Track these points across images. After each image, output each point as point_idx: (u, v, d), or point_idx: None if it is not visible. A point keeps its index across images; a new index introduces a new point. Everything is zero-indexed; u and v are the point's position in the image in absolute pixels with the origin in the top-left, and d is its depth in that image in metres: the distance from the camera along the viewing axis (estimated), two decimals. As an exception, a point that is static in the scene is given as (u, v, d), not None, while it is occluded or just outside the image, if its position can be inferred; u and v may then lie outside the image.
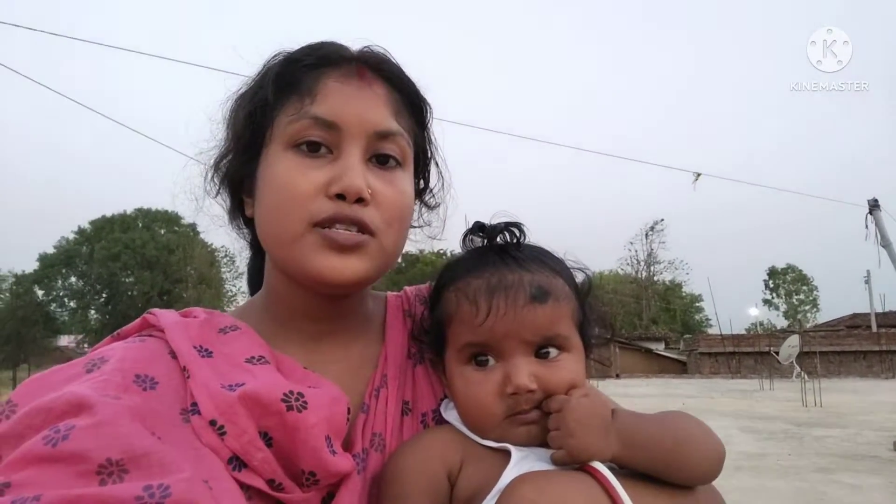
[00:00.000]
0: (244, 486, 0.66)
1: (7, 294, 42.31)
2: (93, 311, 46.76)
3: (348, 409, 0.75)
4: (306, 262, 0.76)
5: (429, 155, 0.92)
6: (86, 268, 44.35)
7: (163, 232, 45.95)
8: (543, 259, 0.84)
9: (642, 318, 54.41)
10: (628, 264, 59.95)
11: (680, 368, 36.58)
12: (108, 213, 46.40)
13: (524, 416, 0.76)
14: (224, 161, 0.86)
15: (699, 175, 15.89)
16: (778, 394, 20.65)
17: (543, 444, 0.75)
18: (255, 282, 0.94)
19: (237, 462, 0.66)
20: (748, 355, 33.60)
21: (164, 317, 0.78)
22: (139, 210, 46.90)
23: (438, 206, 0.96)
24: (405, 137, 0.82)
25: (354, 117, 0.77)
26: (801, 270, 65.39)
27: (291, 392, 0.70)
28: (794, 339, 24.11)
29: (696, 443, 0.74)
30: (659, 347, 40.02)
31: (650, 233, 58.51)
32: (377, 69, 0.82)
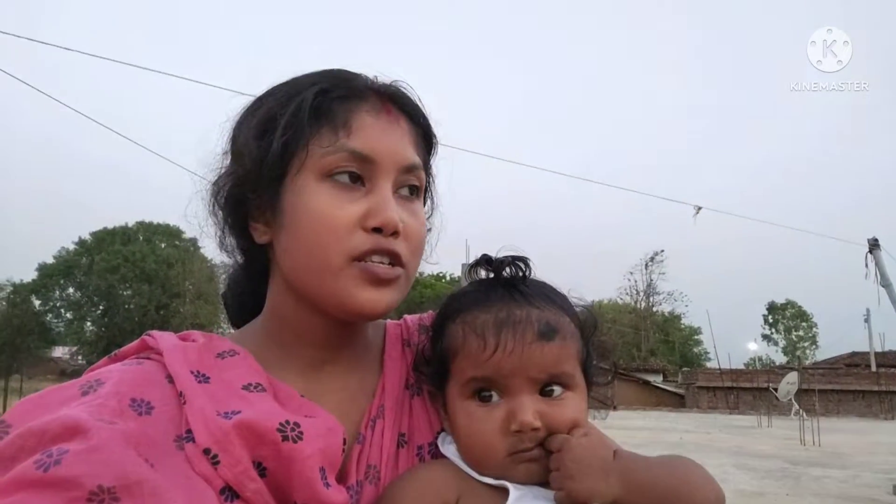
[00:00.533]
0: None
1: (3, 303, 42.16)
2: (89, 323, 46.60)
3: (344, 440, 0.74)
4: (346, 295, 0.76)
5: (428, 184, 0.93)
6: (84, 279, 44.34)
7: (163, 246, 46.06)
8: (550, 296, 0.83)
9: (641, 349, 54.15)
10: (627, 294, 59.97)
11: (677, 401, 36.30)
12: (110, 226, 46.56)
13: (527, 454, 0.75)
14: (229, 184, 0.84)
15: (700, 208, 15.95)
16: (776, 431, 20.46)
17: (543, 482, 0.74)
18: (249, 307, 0.92)
19: (229, 492, 0.65)
20: (746, 391, 33.38)
21: (163, 340, 0.77)
22: (140, 223, 47.10)
23: (430, 230, 0.96)
24: (422, 169, 0.85)
25: (387, 152, 0.79)
26: (800, 306, 65.37)
27: (287, 422, 0.69)
28: (792, 376, 23.94)
29: (696, 487, 0.74)
30: (657, 379, 39.80)
31: (650, 263, 58.65)
32: (400, 104, 0.84)
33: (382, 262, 0.77)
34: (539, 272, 0.87)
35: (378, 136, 0.80)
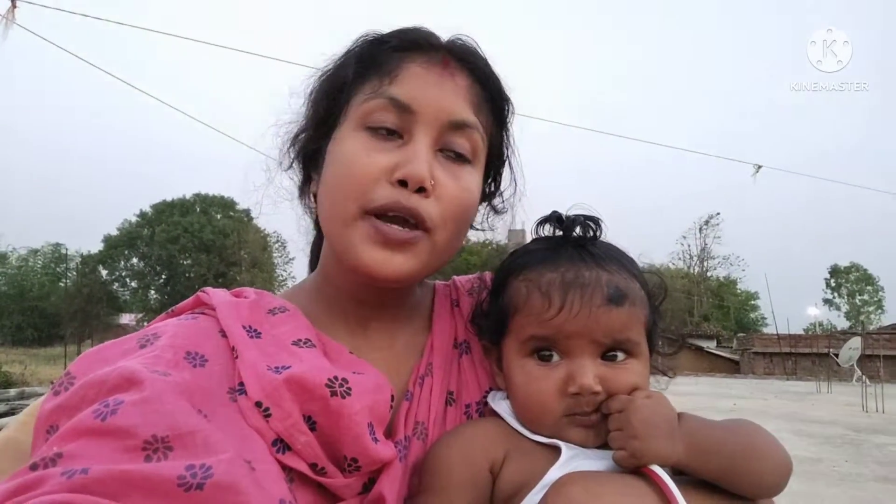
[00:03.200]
0: (287, 469, 0.66)
1: (74, 273, 44.53)
2: (152, 291, 48.70)
3: (392, 396, 0.75)
4: (354, 251, 0.75)
5: (504, 157, 0.89)
6: (147, 249, 46.19)
7: (219, 217, 47.36)
8: (620, 259, 0.80)
9: (693, 315, 52.98)
10: (680, 259, 58.44)
11: (732, 368, 35.49)
12: (169, 198, 48.18)
13: (584, 417, 0.73)
14: (302, 135, 0.86)
15: (759, 167, 15.27)
16: (836, 397, 19.81)
17: (596, 445, 0.74)
18: (316, 259, 0.94)
19: (281, 444, 0.67)
20: (805, 356, 32.31)
21: (216, 296, 0.80)
22: (197, 195, 48.47)
23: (506, 212, 0.93)
24: (479, 132, 0.79)
25: (430, 103, 0.76)
26: (865, 270, 62.53)
27: (336, 378, 0.70)
28: (855, 342, 22.98)
29: (764, 453, 0.71)
30: (710, 345, 38.91)
31: (705, 227, 56.80)
32: (462, 59, 0.80)
33: (408, 220, 0.74)
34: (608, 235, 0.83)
35: (423, 86, 0.76)
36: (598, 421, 0.73)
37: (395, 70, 0.76)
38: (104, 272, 46.74)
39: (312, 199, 0.89)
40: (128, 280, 48.76)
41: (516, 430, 0.77)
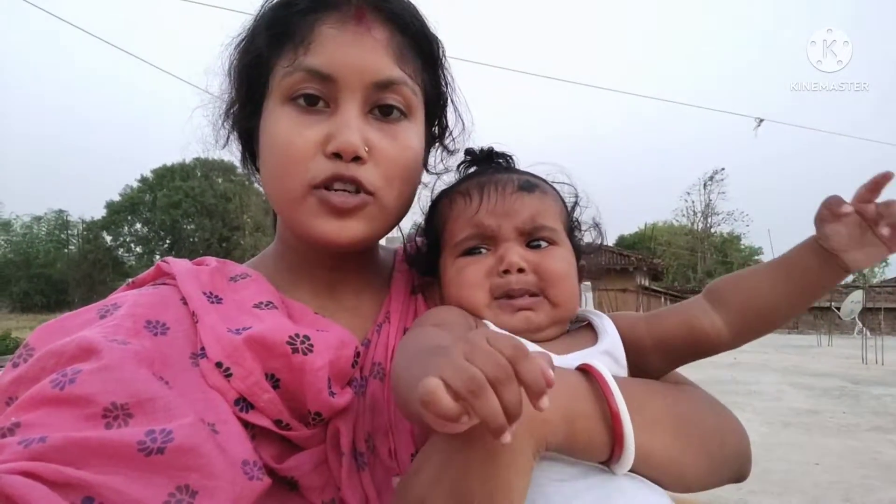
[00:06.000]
0: (250, 426, 0.67)
1: (78, 240, 44.68)
2: (158, 256, 48.87)
3: (358, 353, 0.76)
4: (307, 225, 0.76)
5: (444, 97, 0.87)
6: (150, 215, 46.17)
7: (220, 181, 47.14)
8: (532, 172, 0.89)
9: (697, 271, 53.09)
10: (684, 215, 58.16)
11: (734, 322, 35.71)
12: (169, 163, 47.88)
13: (519, 300, 0.78)
14: (233, 110, 0.84)
15: (761, 121, 15.09)
16: (836, 350, 20.04)
17: (540, 339, 0.78)
18: None
19: (244, 403, 0.68)
20: (807, 310, 32.53)
21: (177, 265, 0.80)
22: (197, 159, 48.05)
23: (458, 150, 0.93)
24: (409, 85, 0.77)
25: (351, 68, 0.73)
26: (869, 223, 62.08)
27: (297, 335, 0.71)
28: (857, 295, 23.10)
29: None
30: (712, 301, 38.97)
31: (709, 183, 56.36)
32: (377, 8, 0.76)
33: (346, 190, 0.74)
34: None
35: (340, 50, 0.73)
36: (534, 304, 0.78)
37: (309, 36, 0.73)
38: (108, 238, 46.82)
39: (257, 172, 0.88)
40: (132, 245, 48.90)
41: None
